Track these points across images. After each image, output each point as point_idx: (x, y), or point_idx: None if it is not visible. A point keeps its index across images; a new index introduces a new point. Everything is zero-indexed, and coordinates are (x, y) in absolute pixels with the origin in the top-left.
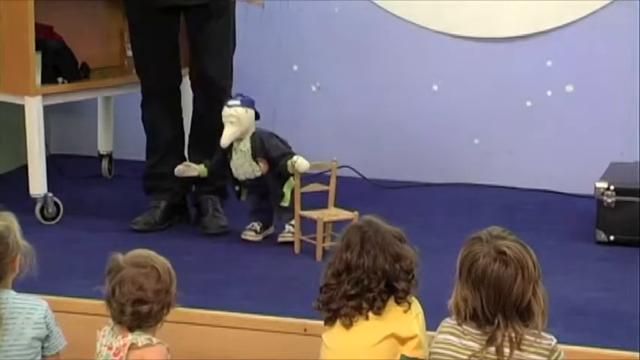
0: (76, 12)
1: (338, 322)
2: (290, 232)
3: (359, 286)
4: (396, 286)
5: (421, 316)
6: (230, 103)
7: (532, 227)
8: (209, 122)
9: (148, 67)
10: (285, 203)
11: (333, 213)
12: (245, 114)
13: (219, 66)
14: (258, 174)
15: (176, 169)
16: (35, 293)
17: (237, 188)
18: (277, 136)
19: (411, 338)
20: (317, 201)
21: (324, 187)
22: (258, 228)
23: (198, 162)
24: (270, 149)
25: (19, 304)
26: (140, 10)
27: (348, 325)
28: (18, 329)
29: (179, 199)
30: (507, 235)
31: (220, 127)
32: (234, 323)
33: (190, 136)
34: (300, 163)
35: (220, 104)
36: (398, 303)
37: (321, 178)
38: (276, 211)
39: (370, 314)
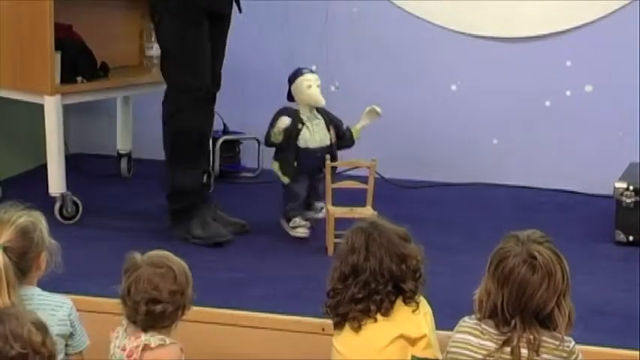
0: (96, 11)
1: (347, 326)
2: (304, 225)
3: (366, 289)
4: (404, 286)
5: (429, 315)
6: (307, 69)
7: (551, 227)
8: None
9: (205, 69)
10: None
11: (360, 211)
12: None
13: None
14: (328, 142)
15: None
16: (54, 291)
17: (295, 164)
18: None
19: (421, 338)
20: (352, 200)
21: (359, 185)
22: (307, 224)
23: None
24: (336, 120)
25: (44, 301)
26: (199, 13)
27: (357, 329)
28: None
29: None
30: (544, 242)
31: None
32: (252, 323)
33: None
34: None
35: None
36: (406, 303)
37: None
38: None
39: (378, 316)
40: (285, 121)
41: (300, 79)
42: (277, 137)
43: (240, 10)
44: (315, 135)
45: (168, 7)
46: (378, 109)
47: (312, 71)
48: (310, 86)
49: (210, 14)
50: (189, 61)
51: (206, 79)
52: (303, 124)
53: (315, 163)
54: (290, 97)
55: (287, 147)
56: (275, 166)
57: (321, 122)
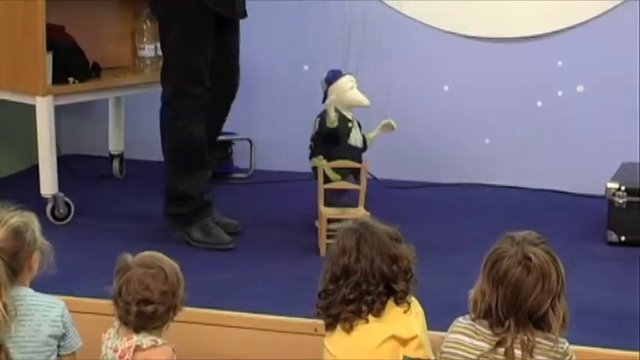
0: (88, 12)
1: (339, 327)
2: None
3: (357, 290)
4: (395, 287)
5: (421, 315)
6: (345, 72)
7: (543, 228)
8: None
9: (206, 76)
10: None
11: (352, 212)
12: None
13: None
14: (363, 143)
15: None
16: (46, 292)
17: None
18: None
19: (412, 339)
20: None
21: (350, 185)
22: None
23: None
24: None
25: (36, 302)
26: (210, 23)
27: (348, 330)
28: (34, 326)
29: None
30: (540, 243)
31: None
32: (244, 323)
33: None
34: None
35: None
36: (397, 304)
37: None
38: None
39: (370, 317)
40: (333, 112)
41: (343, 80)
42: (334, 123)
43: (245, 14)
44: (357, 136)
45: (181, 16)
46: (394, 124)
47: (349, 73)
48: (352, 87)
49: (221, 18)
50: (195, 70)
51: (207, 86)
52: (351, 122)
53: (359, 161)
54: (325, 100)
55: (339, 145)
56: (323, 165)
57: (355, 122)
